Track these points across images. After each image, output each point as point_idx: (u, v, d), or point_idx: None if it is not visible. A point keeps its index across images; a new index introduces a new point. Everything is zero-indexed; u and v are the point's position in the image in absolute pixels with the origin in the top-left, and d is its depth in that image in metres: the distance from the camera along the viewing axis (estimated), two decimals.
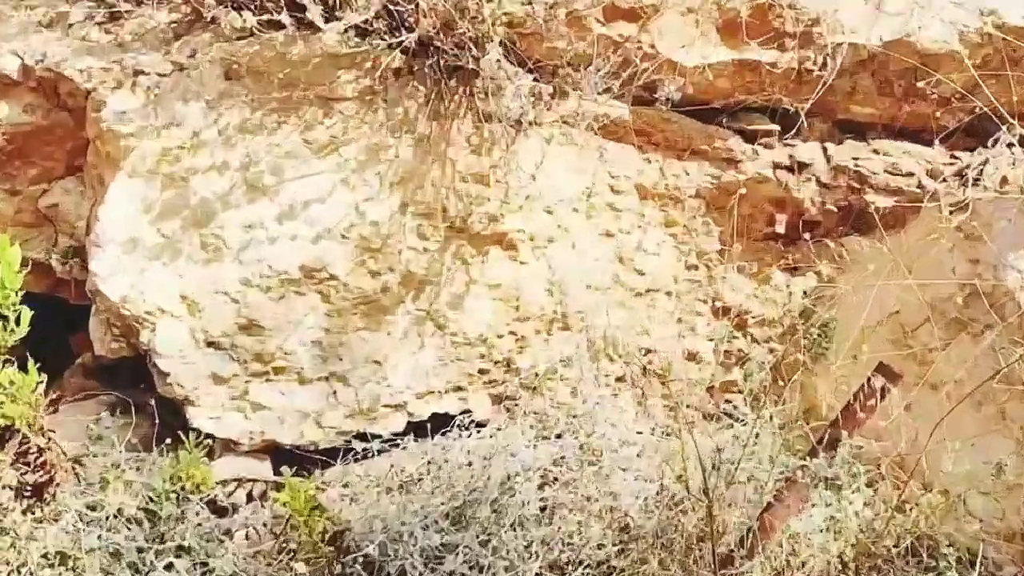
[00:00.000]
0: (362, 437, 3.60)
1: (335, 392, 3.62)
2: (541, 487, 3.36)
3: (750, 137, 3.83)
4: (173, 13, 3.50)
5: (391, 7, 3.33)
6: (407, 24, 3.38)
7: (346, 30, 3.31)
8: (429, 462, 3.54)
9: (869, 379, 2.92)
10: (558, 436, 3.53)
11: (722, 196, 3.82)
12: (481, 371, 3.77)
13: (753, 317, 3.92)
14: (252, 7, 3.29)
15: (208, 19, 3.38)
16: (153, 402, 3.55)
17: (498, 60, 3.30)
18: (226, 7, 3.26)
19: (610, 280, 3.84)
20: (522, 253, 3.72)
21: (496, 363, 3.77)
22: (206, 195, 3.43)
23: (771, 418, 3.38)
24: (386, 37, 3.35)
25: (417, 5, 3.32)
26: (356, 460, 3.60)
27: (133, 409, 3.59)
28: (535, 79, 3.51)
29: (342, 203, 3.48)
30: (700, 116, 3.76)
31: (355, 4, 3.23)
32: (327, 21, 3.25)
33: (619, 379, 3.87)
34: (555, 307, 3.79)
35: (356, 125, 3.52)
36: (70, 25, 3.54)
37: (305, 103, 3.48)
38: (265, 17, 3.25)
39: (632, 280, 3.88)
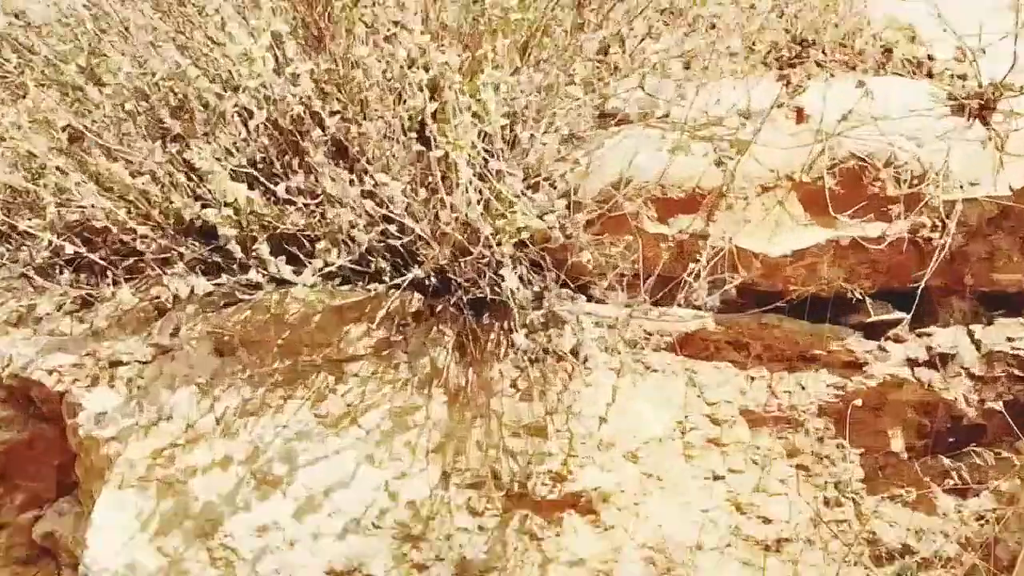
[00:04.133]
0: None
1: None
2: None
3: (873, 332, 3.79)
4: (154, 288, 3.79)
5: (389, 242, 3.47)
6: (418, 258, 3.52)
7: (335, 277, 3.47)
8: None
9: None
10: None
11: (852, 409, 3.77)
12: None
13: (923, 558, 3.75)
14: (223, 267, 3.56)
15: (189, 289, 3.54)
16: None
17: (518, 287, 3.37)
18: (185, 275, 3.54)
19: (727, 534, 3.72)
20: (605, 516, 3.64)
21: None
22: (209, 498, 3.53)
23: None
24: (388, 278, 3.51)
25: (421, 237, 3.45)
26: None
27: None
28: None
29: (369, 484, 3.55)
30: (806, 314, 3.76)
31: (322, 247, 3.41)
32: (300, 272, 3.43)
33: None
34: None
35: (375, 387, 3.59)
36: (38, 319, 3.83)
37: (311, 370, 3.62)
38: (231, 279, 3.48)
39: (757, 530, 3.75)
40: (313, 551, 3.44)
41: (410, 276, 3.46)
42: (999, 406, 3.65)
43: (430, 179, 3.42)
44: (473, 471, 3.52)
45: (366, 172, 3.45)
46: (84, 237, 3.75)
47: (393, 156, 3.49)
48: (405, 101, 3.50)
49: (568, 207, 3.52)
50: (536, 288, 3.51)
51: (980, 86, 3.78)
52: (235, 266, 3.51)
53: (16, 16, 4.22)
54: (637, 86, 3.78)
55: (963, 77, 3.85)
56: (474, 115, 3.36)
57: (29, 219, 3.72)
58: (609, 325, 3.59)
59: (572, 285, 3.59)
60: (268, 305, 3.58)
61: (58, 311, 3.78)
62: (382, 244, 3.50)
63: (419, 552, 3.46)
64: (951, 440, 3.76)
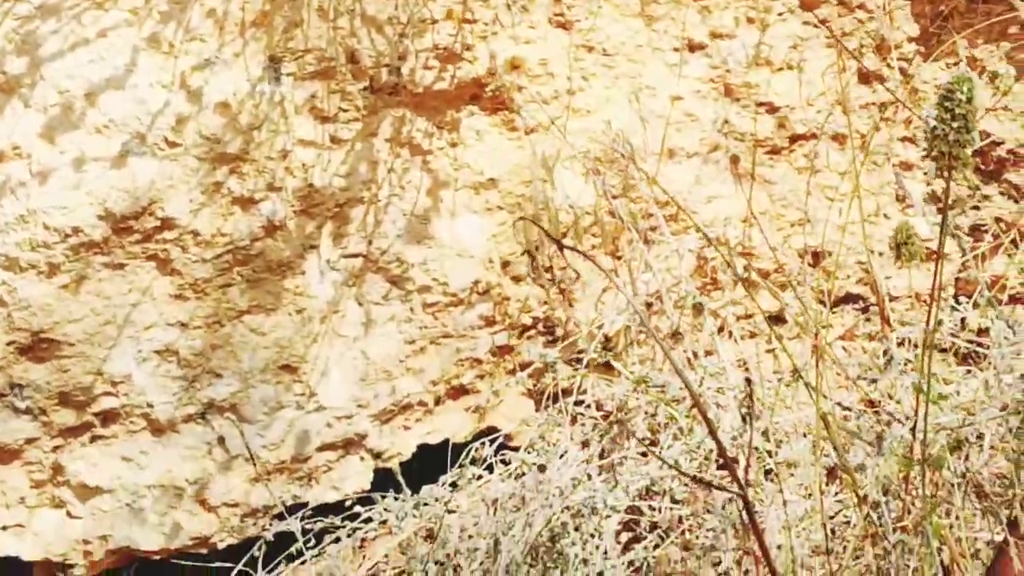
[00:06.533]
0: (295, 513, 3.04)
1: (222, 439, 3.04)
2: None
3: None
4: None
5: None
6: None
7: None
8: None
9: None
10: None
11: None
12: (496, 350, 3.18)
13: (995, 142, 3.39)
14: None
15: None
16: None
17: None
18: None
19: (712, 132, 3.26)
20: (524, 111, 3.15)
21: (522, 328, 3.18)
22: None
23: None
24: None
25: None
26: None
27: None
28: None
29: (155, 80, 2.97)
30: None
31: None
32: None
33: (775, 319, 3.27)
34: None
35: None
36: None
37: None
38: None
39: (756, 124, 3.28)
40: (77, 186, 2.85)
41: None
42: None
43: None
44: (317, 52, 2.98)
45: None
46: None
47: None
48: None
49: None
50: None
51: None
52: None
53: None
54: None
55: None
56: None
57: None
58: None
59: None
60: None
61: None
62: None
63: (240, 179, 2.91)
64: None
